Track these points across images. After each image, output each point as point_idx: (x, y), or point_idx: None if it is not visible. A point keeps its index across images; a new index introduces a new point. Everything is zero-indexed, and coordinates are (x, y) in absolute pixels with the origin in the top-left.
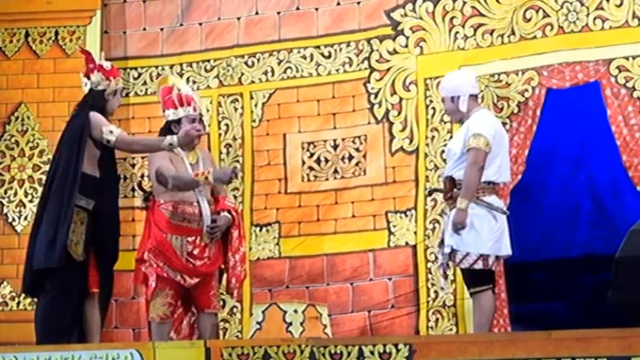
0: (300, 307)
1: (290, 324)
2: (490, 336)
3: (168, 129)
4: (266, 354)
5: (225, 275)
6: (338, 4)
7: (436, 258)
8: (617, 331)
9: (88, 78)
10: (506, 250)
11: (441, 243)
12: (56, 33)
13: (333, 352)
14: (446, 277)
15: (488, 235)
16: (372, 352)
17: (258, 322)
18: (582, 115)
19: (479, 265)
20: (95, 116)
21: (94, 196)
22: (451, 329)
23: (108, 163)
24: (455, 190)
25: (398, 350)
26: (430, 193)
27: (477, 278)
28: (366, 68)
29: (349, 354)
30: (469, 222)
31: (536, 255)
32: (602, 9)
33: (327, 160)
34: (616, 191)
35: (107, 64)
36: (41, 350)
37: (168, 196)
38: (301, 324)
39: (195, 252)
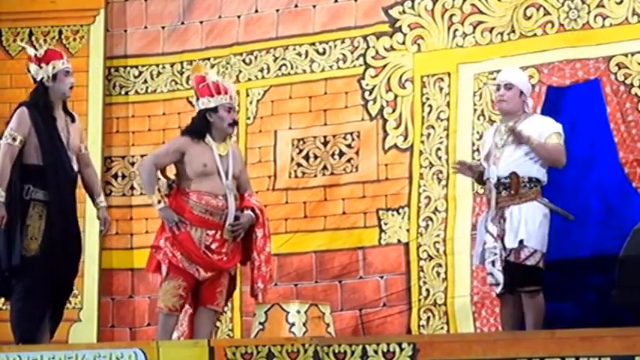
0: (303, 308)
1: (293, 324)
2: (494, 335)
3: (203, 117)
4: (270, 353)
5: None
6: (335, 1)
7: (429, 256)
8: (620, 330)
9: (29, 71)
10: None
11: (498, 237)
12: (60, 32)
13: (336, 351)
14: (499, 271)
15: (547, 235)
16: (375, 352)
17: (260, 323)
18: (584, 113)
19: (541, 264)
20: (17, 113)
21: (46, 187)
22: (442, 328)
23: (49, 150)
24: (519, 188)
25: (402, 349)
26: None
27: (536, 277)
28: (360, 65)
29: (353, 353)
30: (538, 221)
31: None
32: (602, 6)
33: (316, 157)
34: (624, 191)
35: (40, 51)
36: (44, 350)
37: (195, 185)
38: (304, 324)
39: (214, 246)
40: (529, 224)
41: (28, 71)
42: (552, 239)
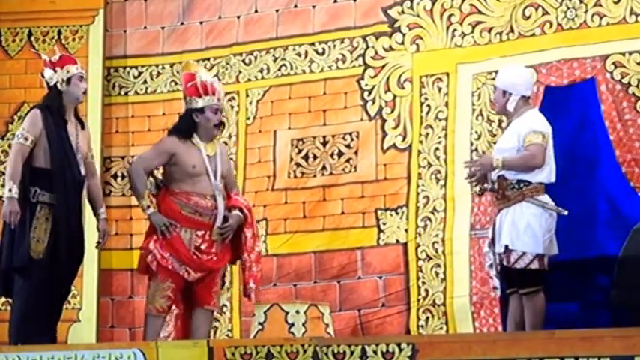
0: (302, 308)
1: (292, 324)
2: (493, 335)
3: (189, 117)
4: (269, 353)
5: (241, 277)
6: (335, 1)
7: (427, 256)
8: (620, 330)
9: (43, 76)
10: (556, 249)
11: (492, 242)
12: (59, 32)
13: (336, 351)
14: (497, 275)
15: (544, 234)
16: (375, 352)
17: (260, 323)
18: (584, 112)
19: (535, 265)
20: (30, 114)
21: (53, 190)
22: (441, 328)
23: (57, 152)
24: (507, 190)
25: (401, 349)
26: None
27: (531, 278)
28: (360, 65)
29: (352, 353)
30: (525, 222)
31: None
32: (600, 5)
33: (315, 157)
34: (624, 191)
35: (55, 56)
36: (44, 350)
37: (184, 186)
38: (303, 324)
39: (203, 247)
40: (514, 227)
41: (43, 76)
42: (559, 239)
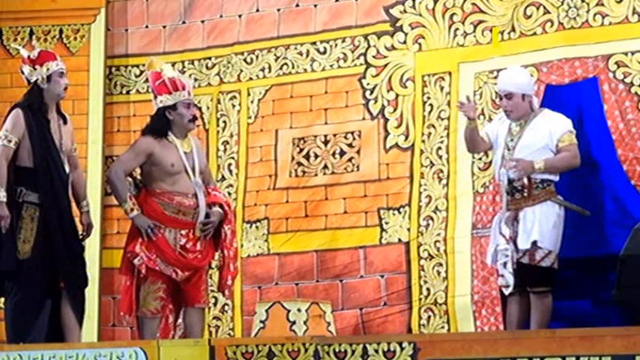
0: (304, 306)
1: (294, 322)
2: (494, 334)
3: (162, 115)
4: (270, 352)
5: (218, 272)
6: (336, 0)
7: (429, 255)
8: (621, 329)
9: (23, 73)
10: None
11: (510, 240)
12: (61, 31)
13: (337, 350)
14: (510, 273)
15: (562, 235)
16: (376, 351)
17: (261, 321)
18: (584, 111)
19: (556, 265)
20: (12, 114)
21: (38, 189)
22: (443, 327)
23: (41, 152)
24: (532, 190)
25: (402, 349)
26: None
27: (548, 277)
28: (361, 64)
29: (353, 352)
30: (552, 222)
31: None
32: (602, 5)
33: (316, 156)
34: (632, 189)
35: (34, 53)
36: (45, 349)
37: (165, 185)
38: (305, 322)
39: (188, 245)
40: (543, 225)
41: (22, 72)
42: (570, 238)
